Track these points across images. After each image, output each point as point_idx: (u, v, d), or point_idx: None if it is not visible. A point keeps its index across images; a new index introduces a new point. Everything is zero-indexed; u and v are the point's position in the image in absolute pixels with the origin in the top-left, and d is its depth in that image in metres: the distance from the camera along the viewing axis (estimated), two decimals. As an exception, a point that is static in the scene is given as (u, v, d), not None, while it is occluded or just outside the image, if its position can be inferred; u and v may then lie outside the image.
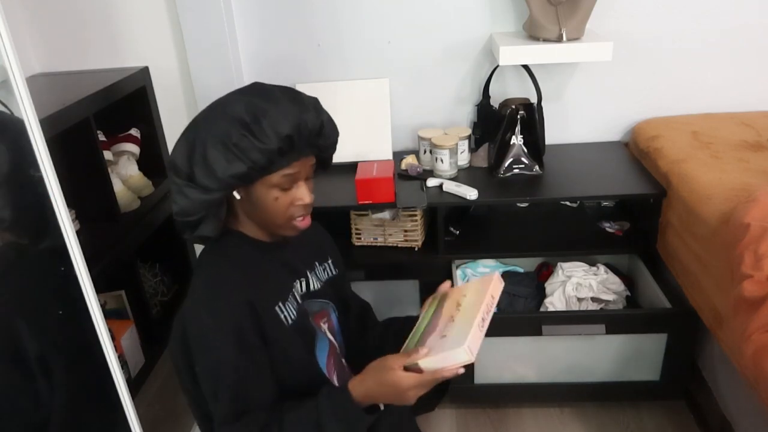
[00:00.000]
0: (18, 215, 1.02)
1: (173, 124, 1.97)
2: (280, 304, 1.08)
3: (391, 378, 0.96)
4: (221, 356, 1.00)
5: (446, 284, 1.16)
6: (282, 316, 1.07)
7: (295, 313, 1.10)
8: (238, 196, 1.05)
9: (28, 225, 1.05)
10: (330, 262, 1.26)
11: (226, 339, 1.00)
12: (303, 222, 1.09)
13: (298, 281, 1.16)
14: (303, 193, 1.05)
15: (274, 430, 0.99)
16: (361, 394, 0.99)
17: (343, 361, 1.24)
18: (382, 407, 1.03)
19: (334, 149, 1.14)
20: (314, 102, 1.06)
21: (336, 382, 1.17)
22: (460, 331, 0.97)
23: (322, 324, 1.19)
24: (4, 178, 0.99)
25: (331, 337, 1.21)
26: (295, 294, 1.13)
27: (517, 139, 1.82)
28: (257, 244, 1.11)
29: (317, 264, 1.23)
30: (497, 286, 1.07)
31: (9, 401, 1.05)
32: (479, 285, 1.09)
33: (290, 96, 1.03)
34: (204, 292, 1.05)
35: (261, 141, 0.96)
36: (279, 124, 0.97)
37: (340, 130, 1.13)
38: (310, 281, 1.19)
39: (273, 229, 1.09)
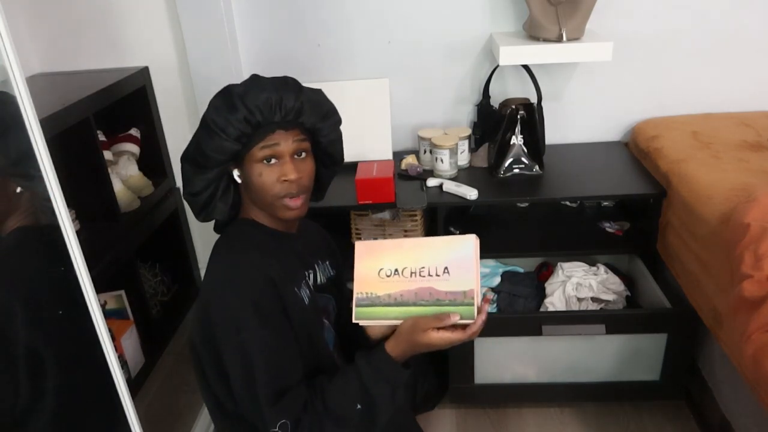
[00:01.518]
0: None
1: (173, 124, 1.98)
2: (295, 288, 1.10)
3: (426, 340, 1.01)
4: (250, 335, 1.01)
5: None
6: (300, 295, 1.10)
7: (308, 299, 1.12)
8: (239, 180, 1.11)
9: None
10: (328, 263, 1.28)
11: (251, 317, 1.01)
12: (293, 201, 1.10)
13: (307, 272, 1.18)
14: (287, 169, 1.08)
15: (317, 402, 1.00)
16: (396, 354, 1.03)
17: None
18: None
19: (332, 136, 1.16)
20: (296, 84, 1.11)
21: None
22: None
23: (325, 320, 1.21)
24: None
25: (334, 332, 1.23)
26: (307, 282, 1.15)
27: (517, 139, 1.82)
28: (270, 232, 1.14)
29: (320, 261, 1.25)
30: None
31: (8, 401, 1.05)
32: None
33: (273, 79, 1.09)
34: (223, 276, 1.07)
35: (230, 113, 1.04)
36: (246, 97, 1.04)
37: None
38: (318, 274, 1.21)
39: (267, 209, 1.12)
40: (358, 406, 1.01)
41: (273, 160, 1.07)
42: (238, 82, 1.09)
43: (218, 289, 1.05)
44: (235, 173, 1.11)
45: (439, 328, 1.00)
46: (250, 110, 1.03)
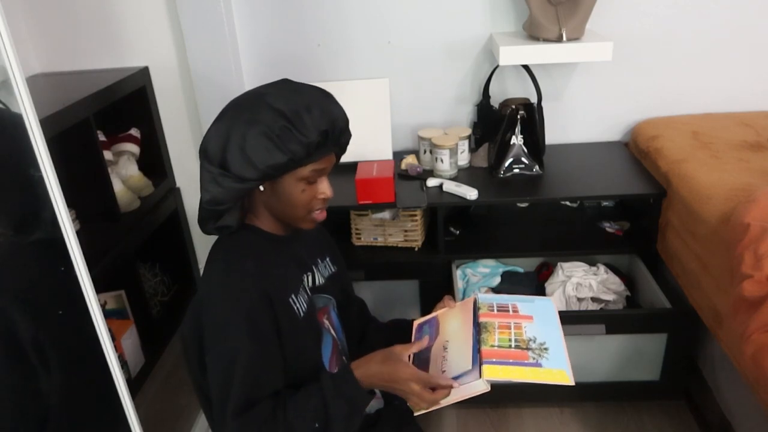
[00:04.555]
0: (16, 209, 1.03)
1: (173, 124, 1.97)
2: (293, 295, 1.10)
3: (393, 366, 1.01)
4: (236, 346, 1.00)
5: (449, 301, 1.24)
6: (295, 308, 1.09)
7: (305, 305, 1.12)
8: (261, 188, 1.08)
9: (23, 217, 1.06)
10: (328, 259, 1.28)
11: (241, 329, 1.01)
12: (320, 215, 1.13)
13: (305, 275, 1.18)
14: (325, 187, 1.10)
15: (278, 415, 0.99)
16: (361, 375, 1.02)
17: (344, 358, 1.25)
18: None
19: (344, 149, 1.18)
20: (338, 102, 1.11)
21: None
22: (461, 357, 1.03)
23: (324, 320, 1.21)
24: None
25: (333, 334, 1.22)
26: (305, 287, 1.15)
27: (517, 139, 1.82)
28: (269, 237, 1.14)
29: (319, 260, 1.25)
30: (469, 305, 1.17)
31: (9, 401, 1.05)
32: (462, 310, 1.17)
33: (323, 93, 1.09)
34: (219, 282, 1.06)
35: (302, 134, 1.01)
36: (318, 119, 1.02)
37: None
38: (316, 276, 1.21)
39: (292, 221, 1.12)
40: (316, 425, 0.99)
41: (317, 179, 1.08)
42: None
43: (213, 295, 1.05)
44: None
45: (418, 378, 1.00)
46: (319, 133, 1.02)
